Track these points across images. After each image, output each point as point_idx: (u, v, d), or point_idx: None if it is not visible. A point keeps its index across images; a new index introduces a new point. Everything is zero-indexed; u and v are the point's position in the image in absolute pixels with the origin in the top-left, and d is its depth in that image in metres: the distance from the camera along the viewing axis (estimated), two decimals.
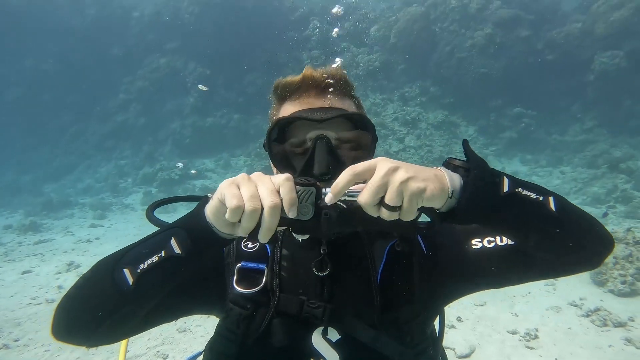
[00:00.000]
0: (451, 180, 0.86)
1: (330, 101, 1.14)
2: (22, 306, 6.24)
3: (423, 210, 0.85)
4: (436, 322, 1.32)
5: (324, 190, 0.86)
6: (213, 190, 0.89)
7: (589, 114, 14.97)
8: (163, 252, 0.88)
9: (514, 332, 5.04)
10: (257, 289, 1.12)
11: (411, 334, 1.13)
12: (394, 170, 0.80)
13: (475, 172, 0.88)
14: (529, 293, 5.99)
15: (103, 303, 0.92)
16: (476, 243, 1.15)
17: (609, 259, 6.20)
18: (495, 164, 14.08)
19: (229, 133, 17.60)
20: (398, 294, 1.14)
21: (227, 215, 0.80)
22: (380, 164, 0.82)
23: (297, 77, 1.16)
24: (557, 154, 14.18)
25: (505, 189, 0.88)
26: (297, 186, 0.83)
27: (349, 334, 1.10)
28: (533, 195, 0.90)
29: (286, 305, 1.10)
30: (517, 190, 0.89)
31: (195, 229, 0.90)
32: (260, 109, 17.00)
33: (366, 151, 1.14)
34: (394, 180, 0.80)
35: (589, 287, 6.13)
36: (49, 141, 20.27)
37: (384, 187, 0.80)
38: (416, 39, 16.92)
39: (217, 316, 1.24)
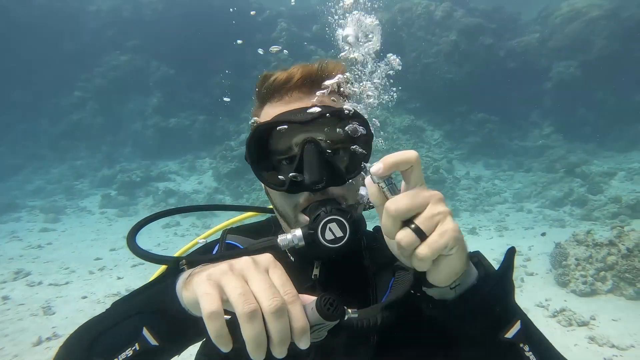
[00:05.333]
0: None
1: (317, 100, 0.98)
2: None
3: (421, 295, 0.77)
4: None
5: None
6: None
7: (547, 120, 15.69)
8: (137, 344, 0.77)
9: None
10: None
11: None
12: (440, 200, 0.68)
13: (494, 286, 0.76)
14: None
15: None
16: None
17: (572, 261, 6.41)
18: (460, 167, 14.43)
19: (193, 134, 17.08)
20: (401, 332, 0.97)
21: (209, 329, 0.59)
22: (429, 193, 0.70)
23: (278, 75, 1.01)
24: (518, 158, 14.73)
25: (511, 335, 0.76)
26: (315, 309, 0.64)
27: None
28: None
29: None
30: (520, 345, 0.76)
31: (169, 314, 0.76)
32: (227, 110, 16.60)
33: (362, 150, 0.97)
34: (438, 207, 0.67)
35: (553, 288, 6.31)
36: None
37: (422, 207, 0.66)
38: (383, 44, 17.08)
39: None
